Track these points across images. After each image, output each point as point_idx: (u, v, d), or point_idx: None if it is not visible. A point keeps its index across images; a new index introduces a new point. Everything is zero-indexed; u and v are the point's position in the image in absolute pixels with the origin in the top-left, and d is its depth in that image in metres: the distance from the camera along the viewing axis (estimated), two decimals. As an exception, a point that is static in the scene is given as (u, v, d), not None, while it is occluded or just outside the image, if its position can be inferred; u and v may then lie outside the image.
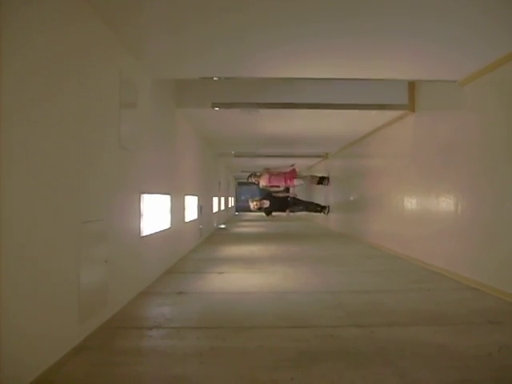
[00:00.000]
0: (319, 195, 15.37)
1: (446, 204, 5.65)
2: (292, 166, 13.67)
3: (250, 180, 14.34)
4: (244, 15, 3.59)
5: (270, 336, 3.33)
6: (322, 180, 13.91)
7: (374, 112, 7.06)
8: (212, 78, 5.58)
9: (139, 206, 4.81)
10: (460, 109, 5.38)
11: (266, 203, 13.92)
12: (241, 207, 29.11)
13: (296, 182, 13.95)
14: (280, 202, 13.98)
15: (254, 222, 18.20)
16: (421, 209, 6.50)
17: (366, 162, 10.03)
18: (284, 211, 14.15)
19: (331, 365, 2.74)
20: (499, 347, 2.99)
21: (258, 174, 13.98)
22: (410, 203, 6.93)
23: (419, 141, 6.66)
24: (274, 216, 14.46)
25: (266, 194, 14.18)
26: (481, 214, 4.84)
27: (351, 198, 11.23)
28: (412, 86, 6.73)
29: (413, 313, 3.92)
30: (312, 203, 14.64)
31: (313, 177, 14.45)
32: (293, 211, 14.32)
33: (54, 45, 2.82)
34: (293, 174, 13.85)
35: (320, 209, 13.97)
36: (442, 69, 5.01)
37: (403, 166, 7.28)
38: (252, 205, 14.20)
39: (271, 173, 13.73)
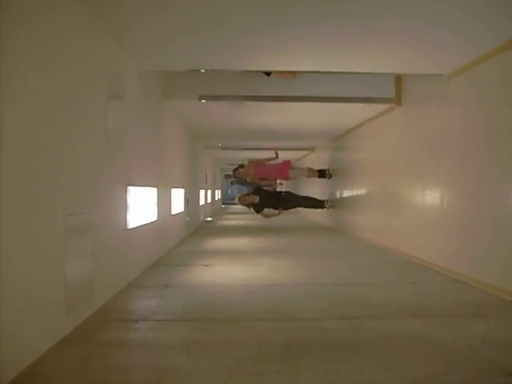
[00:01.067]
0: (312, 189, 14.66)
1: (431, 197, 5.69)
2: (276, 153, 11.50)
3: (235, 174, 12.27)
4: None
5: (257, 328, 3.34)
6: (323, 173, 12.19)
7: (360, 105, 7.08)
8: (199, 71, 5.54)
9: (126, 198, 4.78)
10: (447, 102, 5.41)
11: (256, 199, 11.61)
12: (228, 200, 29.17)
13: (291, 174, 12.27)
14: (272, 198, 11.95)
15: (240, 214, 18.15)
16: (407, 202, 6.54)
17: (352, 155, 10.06)
18: (276, 208, 11.80)
19: (318, 357, 2.75)
20: (483, 340, 3.03)
21: (244, 165, 12.02)
22: (397, 197, 6.96)
23: (406, 134, 6.69)
24: (266, 215, 11.86)
25: (256, 189, 12.11)
26: (466, 208, 4.88)
27: (338, 192, 11.26)
28: (399, 79, 6.74)
29: (399, 305, 3.95)
30: (309, 198, 12.71)
31: (311, 169, 12.50)
32: (286, 208, 12.08)
33: (38, 34, 2.77)
34: (287, 166, 12.11)
35: (319, 204, 12.26)
36: (430, 62, 5.02)
37: (390, 159, 7.32)
38: (238, 200, 11.92)
39: (259, 164, 11.93)
